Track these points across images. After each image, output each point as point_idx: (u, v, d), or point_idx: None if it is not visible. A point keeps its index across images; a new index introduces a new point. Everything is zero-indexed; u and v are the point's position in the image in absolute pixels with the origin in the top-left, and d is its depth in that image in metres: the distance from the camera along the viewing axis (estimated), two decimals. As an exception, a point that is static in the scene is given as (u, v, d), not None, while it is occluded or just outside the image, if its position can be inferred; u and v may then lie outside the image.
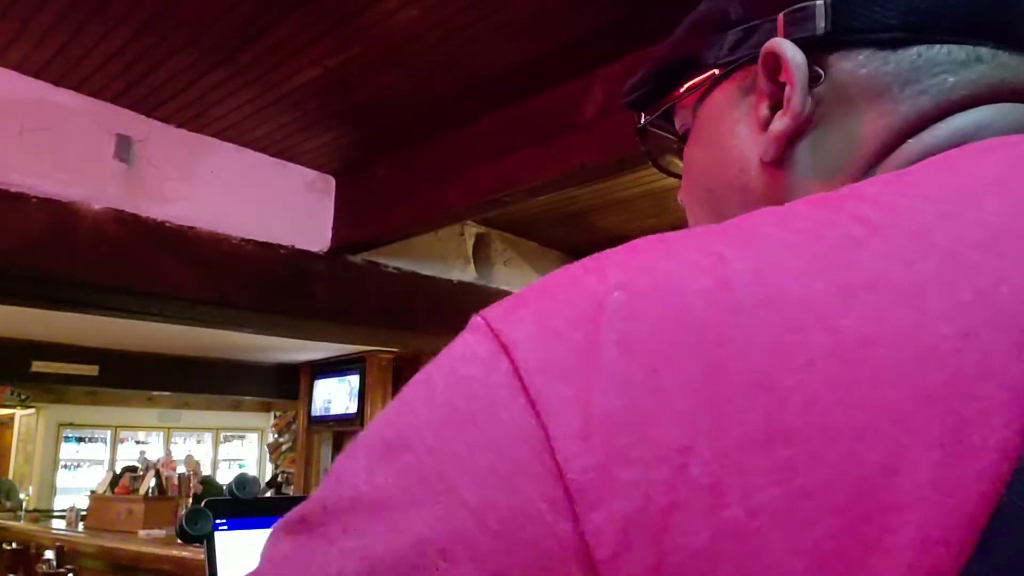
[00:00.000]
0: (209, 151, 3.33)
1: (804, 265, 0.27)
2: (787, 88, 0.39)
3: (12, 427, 9.80)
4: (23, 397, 8.83)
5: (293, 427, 9.09)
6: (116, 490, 6.19)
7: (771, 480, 0.24)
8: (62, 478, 9.68)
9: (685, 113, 0.48)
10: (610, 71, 2.68)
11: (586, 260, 0.31)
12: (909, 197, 0.30)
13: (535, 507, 0.26)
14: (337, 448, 8.42)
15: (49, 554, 5.17)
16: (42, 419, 9.52)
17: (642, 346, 0.27)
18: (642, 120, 0.51)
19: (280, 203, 3.54)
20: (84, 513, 6.32)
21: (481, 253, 4.49)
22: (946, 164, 0.33)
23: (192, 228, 3.26)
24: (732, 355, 0.26)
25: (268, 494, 5.53)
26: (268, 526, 0.81)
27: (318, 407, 8.01)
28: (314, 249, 3.65)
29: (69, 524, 6.37)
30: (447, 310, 4.24)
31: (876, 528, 0.23)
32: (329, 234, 3.70)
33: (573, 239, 4.78)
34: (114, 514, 5.83)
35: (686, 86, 0.46)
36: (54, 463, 9.65)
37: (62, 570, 4.95)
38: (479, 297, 4.41)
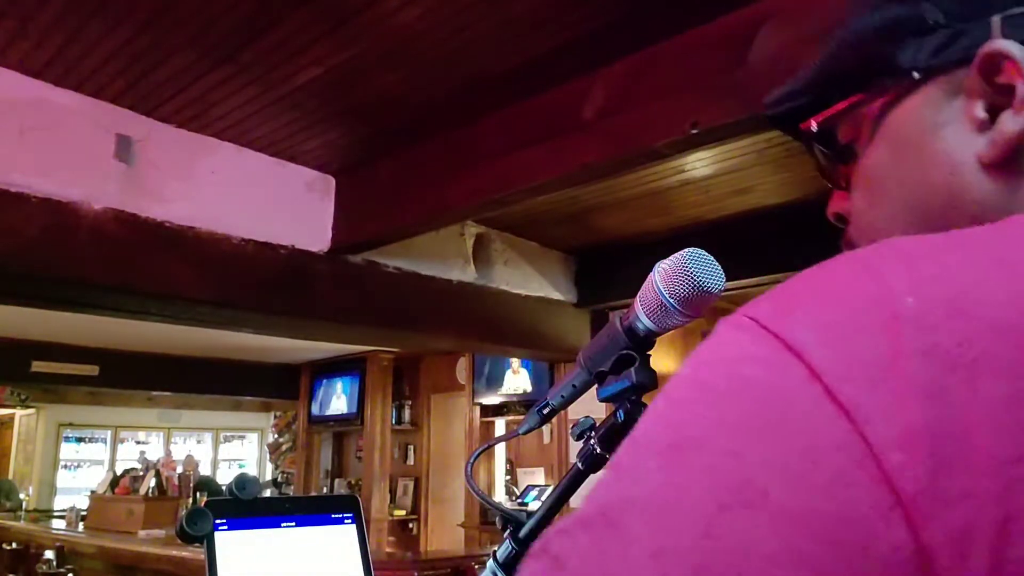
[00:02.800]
0: (209, 151, 3.33)
1: None
2: (1020, 88, 0.39)
3: (12, 427, 9.80)
4: (23, 397, 8.84)
5: (293, 427, 9.10)
6: (116, 490, 6.19)
7: None
8: (62, 478, 9.68)
9: (861, 121, 0.47)
10: (611, 71, 2.68)
11: (846, 262, 0.31)
12: None
13: (863, 515, 0.25)
14: (337, 448, 8.42)
15: (49, 554, 5.17)
16: (42, 419, 9.52)
17: (950, 357, 0.26)
18: (812, 128, 0.50)
19: (280, 203, 3.54)
20: (84, 513, 6.32)
21: (481, 253, 4.49)
22: None
23: (192, 228, 3.26)
24: None
25: (267, 494, 5.53)
26: (268, 526, 0.81)
27: (318, 407, 8.01)
28: (314, 249, 3.65)
29: (69, 524, 6.37)
30: (447, 310, 4.24)
31: None
32: (329, 234, 3.70)
33: (574, 239, 4.78)
34: (114, 514, 5.83)
35: (875, 91, 0.45)
36: (54, 463, 9.65)
37: (62, 570, 4.95)
38: (479, 297, 4.41)
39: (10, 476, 9.19)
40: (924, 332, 0.27)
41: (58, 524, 6.86)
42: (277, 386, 8.60)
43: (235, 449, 11.33)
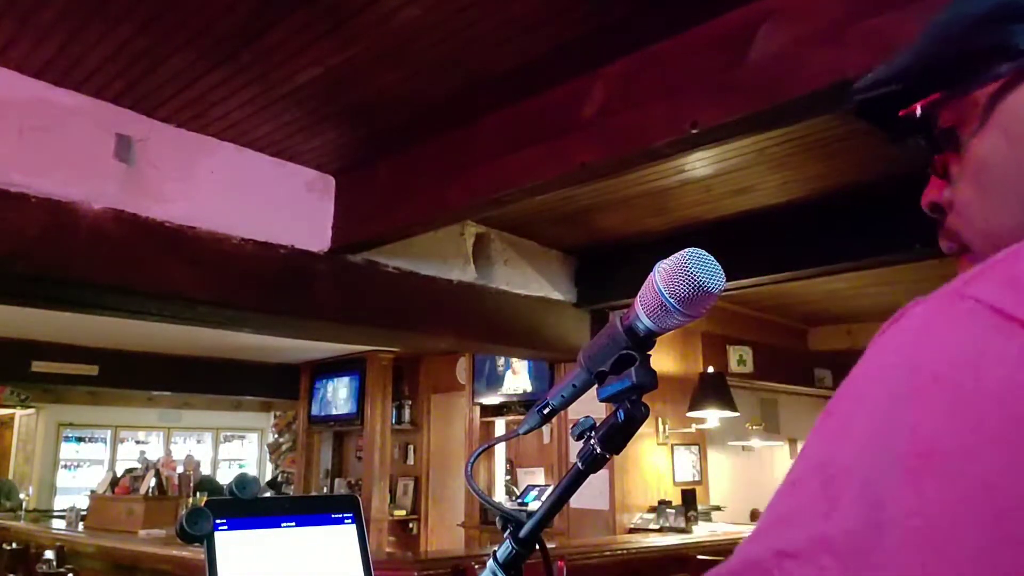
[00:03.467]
0: (209, 151, 3.33)
1: None
2: None
3: (12, 427, 9.80)
4: (23, 397, 8.83)
5: (293, 427, 9.10)
6: (116, 490, 6.19)
7: None
8: (62, 478, 9.69)
9: (969, 109, 0.45)
10: (610, 71, 2.68)
11: None
12: None
13: None
14: (337, 448, 8.42)
15: (49, 554, 5.17)
16: (42, 419, 9.52)
17: None
18: (917, 113, 0.47)
19: (280, 203, 3.54)
20: (84, 513, 6.31)
21: (481, 252, 4.49)
22: None
23: (192, 228, 3.25)
24: None
25: (267, 494, 5.52)
26: (268, 526, 0.81)
27: (318, 407, 8.02)
28: (314, 249, 3.65)
29: (69, 524, 6.37)
30: (447, 310, 4.24)
31: None
32: (329, 234, 3.70)
33: (573, 239, 4.78)
34: (114, 514, 5.82)
35: (990, 76, 0.43)
36: (54, 463, 9.65)
37: (62, 570, 4.94)
38: (479, 297, 4.41)
39: (10, 476, 9.19)
40: None
41: (58, 524, 6.86)
42: (277, 386, 8.60)
43: (235, 449, 11.34)
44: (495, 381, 6.34)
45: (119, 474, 6.57)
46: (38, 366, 7.07)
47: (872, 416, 0.27)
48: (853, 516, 0.26)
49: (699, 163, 3.53)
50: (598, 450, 0.72)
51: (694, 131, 2.37)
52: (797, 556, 0.26)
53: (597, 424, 0.74)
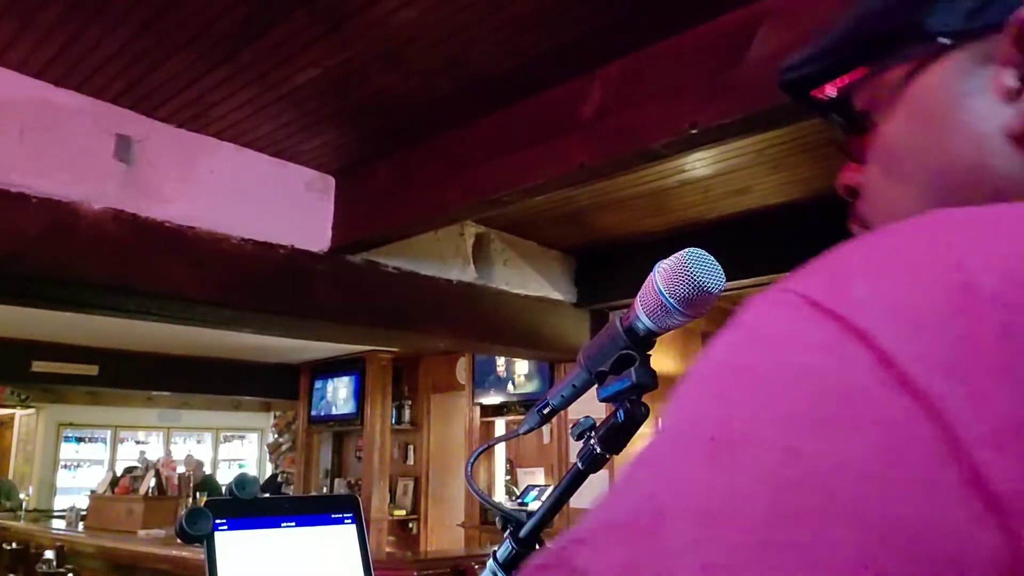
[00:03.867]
0: (209, 151, 3.33)
1: None
2: None
3: (12, 427, 9.80)
4: (23, 397, 8.84)
5: (293, 427, 9.10)
6: (116, 490, 6.20)
7: None
8: (62, 478, 9.69)
9: (881, 89, 0.45)
10: (609, 71, 2.68)
11: (905, 232, 0.28)
12: None
13: (950, 521, 0.23)
14: (337, 448, 8.42)
15: (49, 554, 5.17)
16: (42, 419, 9.52)
17: None
18: (827, 94, 0.47)
19: (280, 203, 3.54)
20: (84, 513, 6.32)
21: (481, 253, 4.49)
22: None
23: (192, 228, 3.26)
24: None
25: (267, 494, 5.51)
26: (268, 526, 0.81)
27: (318, 407, 8.02)
28: (314, 249, 3.65)
29: (69, 524, 6.37)
30: (447, 310, 4.24)
31: None
32: (329, 234, 3.70)
33: (572, 239, 4.78)
34: (114, 514, 5.83)
35: (898, 56, 0.43)
36: (54, 463, 9.65)
37: (62, 570, 4.95)
38: (479, 297, 4.41)
39: (10, 476, 9.19)
40: (1005, 313, 0.25)
41: (58, 524, 6.87)
42: (277, 386, 8.60)
43: (235, 449, 11.34)
44: (501, 383, 6.34)
45: (119, 473, 6.58)
46: (38, 366, 7.08)
47: (683, 408, 0.28)
48: (643, 499, 0.26)
49: (698, 163, 3.53)
50: (598, 450, 0.72)
51: (693, 132, 2.37)
52: (586, 541, 0.26)
53: (597, 424, 0.74)
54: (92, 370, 7.40)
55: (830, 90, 0.47)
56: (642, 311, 0.68)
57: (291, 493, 8.23)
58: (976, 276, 0.26)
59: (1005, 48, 0.38)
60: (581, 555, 0.26)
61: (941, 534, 0.23)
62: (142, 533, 5.26)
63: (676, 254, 0.67)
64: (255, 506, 0.77)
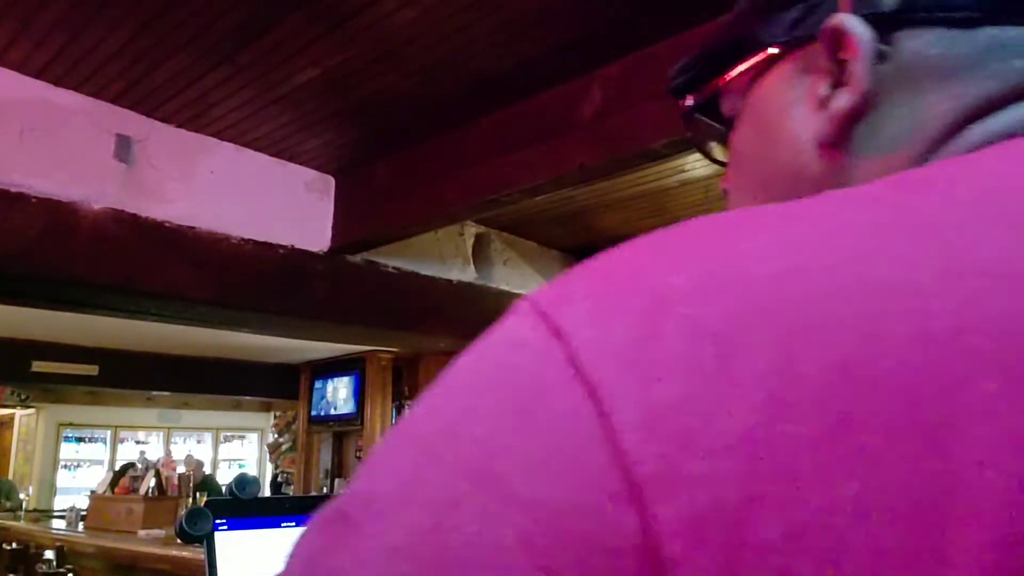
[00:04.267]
0: (209, 151, 3.33)
1: (888, 250, 0.26)
2: (851, 64, 0.38)
3: (12, 427, 9.80)
4: (23, 397, 8.84)
5: (293, 427, 9.10)
6: (116, 490, 6.20)
7: (851, 473, 0.23)
8: (62, 478, 9.69)
9: (734, 97, 0.46)
10: (608, 71, 2.68)
11: (638, 242, 0.30)
12: (992, 186, 0.29)
13: (594, 501, 0.24)
14: (337, 448, 8.42)
15: (49, 554, 5.18)
16: (42, 419, 9.52)
17: (710, 333, 0.25)
18: (688, 104, 0.50)
19: (280, 203, 3.54)
20: (84, 513, 6.32)
21: (480, 253, 4.49)
22: (1014, 155, 0.31)
23: (191, 228, 3.26)
24: (809, 342, 0.24)
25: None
26: (268, 526, 0.82)
27: (318, 407, 8.02)
28: (313, 249, 3.65)
29: (69, 524, 6.37)
30: (447, 310, 4.24)
31: (963, 524, 0.22)
32: (329, 234, 3.70)
33: (572, 239, 4.79)
34: (114, 514, 5.83)
35: (739, 67, 0.45)
36: (54, 463, 9.65)
37: (62, 570, 4.95)
38: (479, 297, 4.41)
39: (10, 476, 9.19)
40: (688, 310, 0.26)
41: (58, 524, 6.86)
42: (277, 386, 8.60)
43: (235, 449, 11.34)
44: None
45: (119, 469, 6.58)
46: (38, 366, 7.08)
47: (419, 402, 0.30)
48: (353, 490, 0.28)
49: (698, 164, 3.53)
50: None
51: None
52: (306, 532, 0.29)
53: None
54: (92, 370, 7.40)
55: (688, 100, 0.50)
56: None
57: (291, 493, 8.23)
58: (669, 277, 0.27)
59: (820, 57, 0.39)
60: (299, 543, 0.29)
61: (588, 515, 0.24)
62: (142, 533, 5.26)
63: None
64: (255, 506, 0.77)
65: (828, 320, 0.25)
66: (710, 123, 0.50)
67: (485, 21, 2.43)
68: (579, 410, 0.25)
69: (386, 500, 0.27)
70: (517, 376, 0.27)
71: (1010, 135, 0.35)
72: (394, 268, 3.99)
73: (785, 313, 0.25)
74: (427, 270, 4.16)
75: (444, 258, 4.27)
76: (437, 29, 2.47)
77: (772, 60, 0.42)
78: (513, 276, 4.64)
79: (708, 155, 0.53)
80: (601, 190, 3.86)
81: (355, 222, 3.64)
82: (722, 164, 0.51)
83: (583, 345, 0.26)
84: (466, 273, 4.37)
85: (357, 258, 3.81)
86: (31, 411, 9.51)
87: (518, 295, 3.80)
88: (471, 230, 4.45)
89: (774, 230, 0.28)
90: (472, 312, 4.36)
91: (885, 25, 0.37)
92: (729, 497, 0.23)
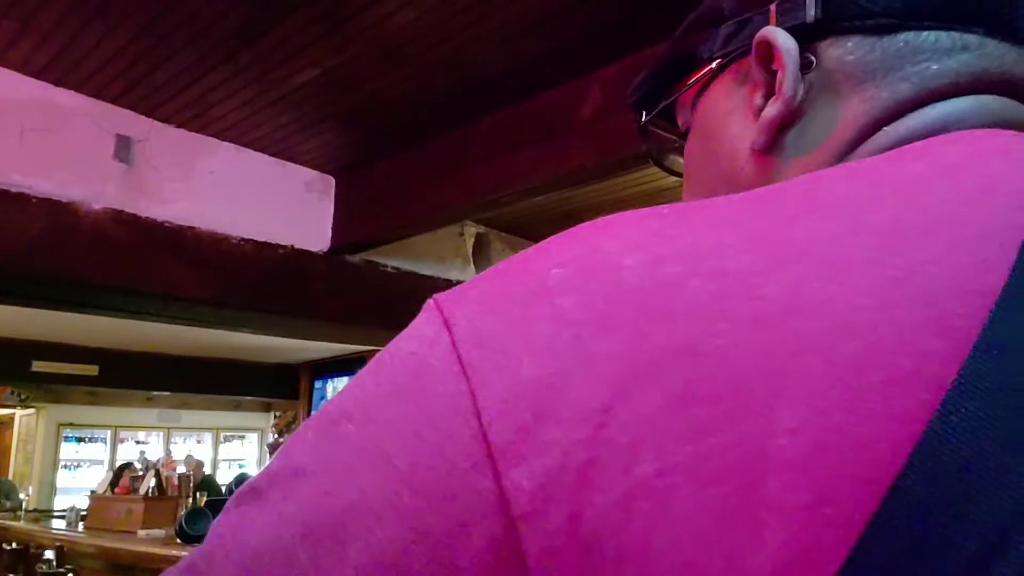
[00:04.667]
0: (209, 151, 3.34)
1: (737, 241, 0.29)
2: (779, 74, 0.39)
3: (12, 427, 9.80)
4: (23, 397, 8.84)
5: (293, 427, 9.10)
6: (116, 490, 6.19)
7: (685, 439, 0.25)
8: (62, 478, 9.68)
9: (686, 110, 0.48)
10: (607, 72, 2.68)
11: (541, 243, 0.32)
12: (864, 183, 0.30)
13: (459, 467, 0.27)
14: (337, 448, 8.44)
15: (49, 554, 5.18)
16: (42, 419, 9.52)
17: (572, 317, 0.28)
18: (643, 118, 0.52)
19: (280, 203, 3.54)
20: (84, 513, 6.32)
21: (480, 253, 4.50)
22: (911, 154, 0.33)
23: (192, 228, 3.26)
24: (659, 324, 0.27)
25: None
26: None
27: (318, 407, 8.01)
28: (313, 249, 3.66)
29: (69, 524, 6.37)
30: (446, 310, 4.24)
31: (777, 487, 0.24)
32: (328, 234, 3.70)
33: (572, 239, 4.79)
34: (114, 514, 5.83)
35: (684, 81, 0.47)
36: (54, 463, 9.65)
37: (62, 570, 4.95)
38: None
39: (10, 476, 9.20)
40: (557, 297, 0.28)
41: (58, 524, 6.86)
42: (277, 386, 8.61)
43: (235, 449, 11.34)
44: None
45: (118, 470, 6.57)
46: (38, 366, 7.08)
47: (335, 395, 0.33)
48: (265, 470, 0.32)
49: (698, 163, 3.53)
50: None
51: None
52: (225, 508, 0.33)
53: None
54: (92, 370, 7.40)
55: (643, 115, 0.52)
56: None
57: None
58: (550, 269, 0.30)
59: (753, 69, 0.41)
60: (218, 520, 0.32)
61: (453, 480, 0.27)
62: (142, 533, 5.26)
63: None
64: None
65: (676, 304, 0.27)
66: (666, 136, 0.52)
67: (485, 21, 2.44)
68: (453, 391, 0.28)
69: (286, 475, 0.31)
70: (409, 362, 0.30)
71: (921, 136, 0.36)
72: (394, 268, 3.99)
73: (638, 299, 0.28)
74: (427, 270, 4.16)
75: (444, 258, 4.27)
76: (437, 29, 2.47)
77: (713, 73, 0.44)
78: (513, 276, 4.64)
79: (667, 168, 0.56)
80: (600, 190, 3.86)
81: (355, 222, 3.64)
82: (677, 175, 0.53)
83: (464, 332, 0.29)
84: (466, 273, 4.37)
85: (357, 258, 3.82)
86: (31, 411, 9.51)
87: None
88: (471, 230, 4.45)
89: (648, 225, 0.31)
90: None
91: (809, 35, 0.39)
92: (574, 461, 0.26)
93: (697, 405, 0.25)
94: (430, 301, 0.32)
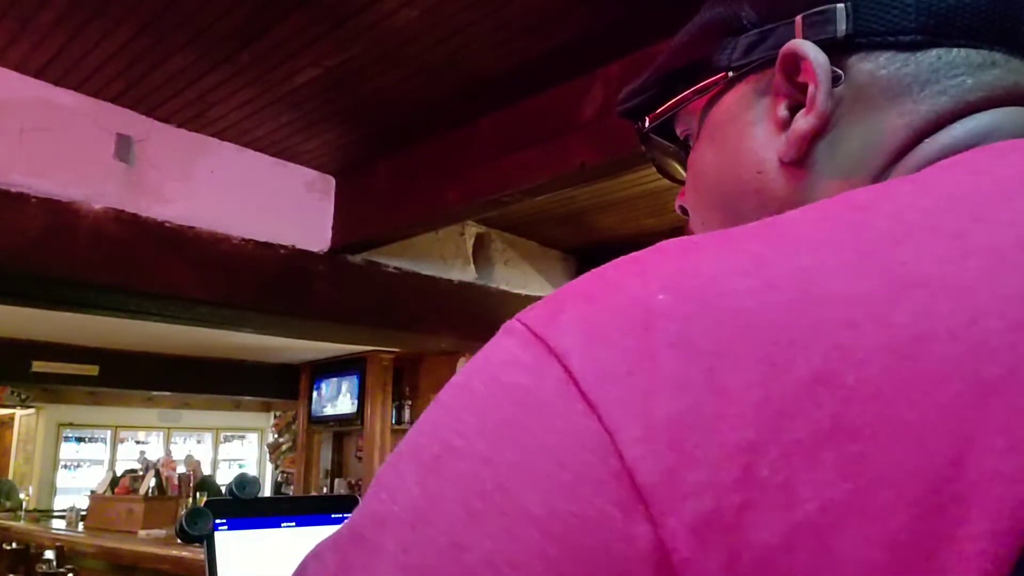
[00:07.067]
0: (209, 151, 3.33)
1: (849, 263, 0.28)
2: (811, 88, 0.40)
3: (12, 427, 9.80)
4: (23, 397, 8.84)
5: (293, 427, 9.10)
6: (116, 490, 6.20)
7: (841, 475, 0.24)
8: (62, 478, 9.69)
9: (689, 118, 0.49)
10: (609, 71, 2.68)
11: (619, 263, 0.31)
12: (939, 197, 0.30)
13: (604, 512, 0.25)
14: (337, 448, 8.43)
15: (49, 554, 5.18)
16: (42, 419, 9.52)
17: (698, 348, 0.26)
18: (645, 125, 0.52)
19: (280, 203, 3.54)
20: (84, 513, 6.32)
21: (481, 253, 4.49)
22: (965, 166, 0.33)
23: (192, 228, 3.26)
24: (790, 353, 0.26)
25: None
26: (268, 526, 0.82)
27: (318, 407, 8.02)
28: (314, 249, 3.65)
29: (69, 524, 6.38)
30: (447, 310, 4.24)
31: (949, 519, 0.23)
32: (329, 234, 3.70)
33: (573, 239, 4.79)
34: (114, 514, 5.83)
35: (695, 89, 0.47)
36: (54, 463, 9.65)
37: (62, 570, 4.95)
38: (479, 297, 4.41)
39: (10, 476, 9.20)
40: (674, 325, 0.27)
41: (58, 524, 6.86)
42: (277, 386, 8.59)
43: (235, 449, 11.34)
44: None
45: (119, 474, 6.57)
46: (38, 366, 7.08)
47: (418, 423, 0.31)
48: (363, 511, 0.30)
49: (699, 163, 3.53)
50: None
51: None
52: (319, 555, 0.31)
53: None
54: (92, 370, 7.40)
55: (646, 121, 0.52)
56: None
57: (291, 493, 8.23)
58: (653, 295, 0.28)
59: (777, 81, 0.41)
60: (310, 567, 0.31)
61: (599, 526, 0.25)
62: (142, 533, 5.26)
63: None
64: (255, 506, 0.77)
65: (800, 332, 0.26)
66: (664, 143, 0.52)
67: (485, 21, 2.43)
68: (580, 428, 0.26)
69: (398, 520, 0.28)
70: (517, 395, 0.28)
71: (963, 148, 0.36)
72: (395, 268, 3.99)
73: (763, 327, 0.27)
74: (428, 270, 4.15)
75: (445, 258, 4.27)
76: (437, 29, 2.47)
77: (730, 83, 0.44)
78: (513, 276, 4.64)
79: (666, 173, 0.56)
80: (602, 190, 3.86)
81: (356, 222, 3.64)
82: (679, 182, 0.53)
83: (579, 365, 0.27)
84: (467, 273, 4.37)
85: (358, 258, 3.81)
86: (31, 411, 9.51)
87: (518, 295, 3.78)
88: (471, 230, 4.45)
89: (744, 249, 0.30)
90: (472, 312, 4.36)
91: (838, 50, 0.39)
92: (728, 503, 0.24)
93: (848, 439, 0.24)
94: (515, 324, 0.30)
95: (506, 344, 0.30)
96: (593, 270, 0.32)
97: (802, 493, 0.24)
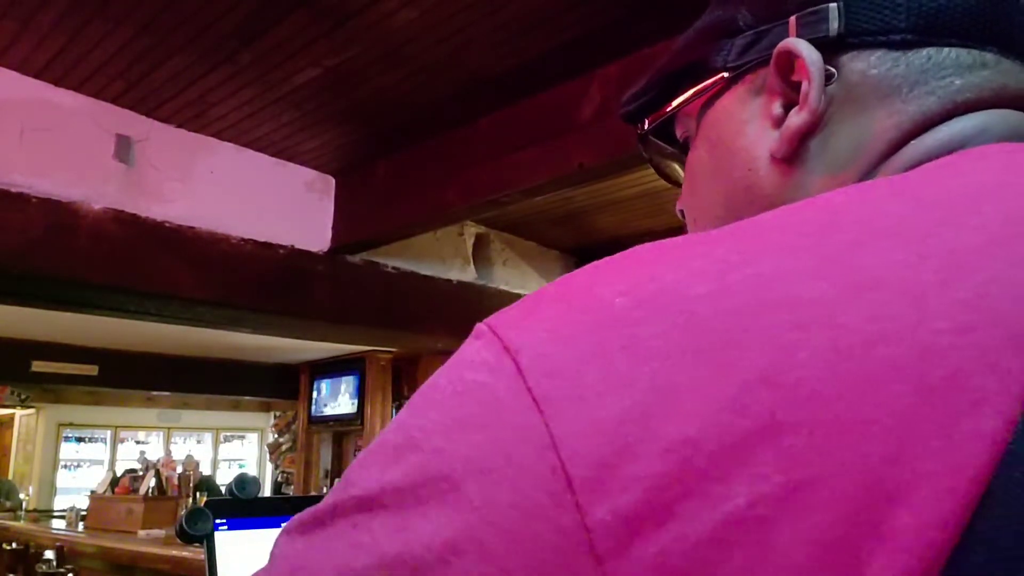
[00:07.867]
0: (209, 151, 3.33)
1: (808, 267, 0.29)
2: (804, 85, 0.40)
3: (12, 427, 9.80)
4: (23, 397, 8.83)
5: (293, 427, 9.10)
6: (116, 490, 6.19)
7: (776, 469, 0.25)
8: (62, 478, 9.68)
9: (688, 120, 0.49)
10: (608, 72, 2.68)
11: (588, 267, 0.32)
12: (912, 202, 0.31)
13: (538, 503, 0.26)
14: (337, 448, 8.43)
15: (49, 554, 5.18)
16: (42, 419, 9.52)
17: (647, 349, 0.27)
18: (645, 127, 0.52)
19: (280, 203, 3.54)
20: (84, 513, 6.32)
21: (480, 253, 4.49)
22: (946, 170, 0.34)
23: (192, 228, 3.26)
24: (736, 354, 0.27)
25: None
26: (268, 526, 0.82)
27: (318, 407, 8.01)
28: (313, 249, 3.65)
29: (69, 524, 6.37)
30: (447, 310, 4.24)
31: (878, 516, 0.24)
32: (329, 234, 3.70)
33: (572, 239, 4.79)
34: (114, 514, 5.83)
35: (693, 91, 0.47)
36: (54, 463, 9.65)
37: (62, 570, 4.95)
38: (479, 297, 4.41)
39: (10, 476, 9.19)
40: (627, 328, 0.28)
41: (58, 524, 6.86)
42: (276, 386, 8.59)
43: (235, 449, 11.33)
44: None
45: (119, 474, 6.57)
46: (38, 366, 7.07)
47: (393, 420, 0.33)
48: (329, 497, 0.32)
49: (698, 163, 3.53)
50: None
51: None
52: (288, 530, 0.34)
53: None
54: (92, 370, 7.40)
55: (645, 124, 0.52)
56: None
57: (291, 493, 8.23)
58: (613, 298, 0.29)
59: (771, 79, 0.42)
60: (280, 544, 0.33)
61: (534, 517, 0.26)
62: (142, 533, 5.26)
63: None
64: (255, 506, 0.77)
65: (753, 334, 0.27)
66: (664, 145, 0.53)
67: (485, 21, 2.43)
68: (526, 423, 0.28)
69: (352, 504, 0.31)
70: (476, 391, 0.29)
71: (948, 150, 0.37)
72: (394, 268, 3.99)
73: (712, 331, 0.27)
74: (427, 270, 4.16)
75: (444, 258, 4.27)
76: (437, 29, 2.47)
77: (727, 83, 0.45)
78: (513, 276, 4.64)
79: (667, 176, 0.56)
80: (598, 191, 3.86)
81: (355, 222, 3.64)
82: (679, 185, 0.53)
83: (530, 363, 0.28)
84: (466, 273, 4.37)
85: (357, 258, 3.81)
86: (31, 411, 9.50)
87: (518, 295, 3.78)
88: (471, 230, 4.45)
89: (708, 254, 0.30)
90: (472, 312, 4.36)
91: (831, 48, 0.40)
92: (663, 495, 0.25)
93: (785, 435, 0.25)
94: (482, 326, 0.31)
95: (472, 345, 0.31)
96: (572, 272, 0.33)
97: (737, 487, 0.25)
